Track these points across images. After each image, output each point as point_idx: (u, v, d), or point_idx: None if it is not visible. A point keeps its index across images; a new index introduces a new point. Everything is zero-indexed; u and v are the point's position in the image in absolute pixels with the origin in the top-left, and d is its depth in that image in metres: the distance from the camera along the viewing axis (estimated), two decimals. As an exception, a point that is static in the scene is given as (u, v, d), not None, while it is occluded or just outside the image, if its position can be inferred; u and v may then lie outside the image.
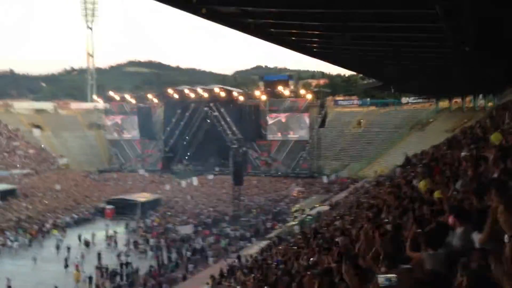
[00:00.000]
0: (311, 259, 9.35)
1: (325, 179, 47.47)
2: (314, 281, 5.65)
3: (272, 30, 14.57)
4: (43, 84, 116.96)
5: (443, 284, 2.61)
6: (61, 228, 35.68)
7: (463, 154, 9.25)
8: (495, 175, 5.75)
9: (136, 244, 31.66)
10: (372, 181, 30.02)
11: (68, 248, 29.39)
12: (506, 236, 2.96)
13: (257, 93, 58.37)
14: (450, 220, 4.61)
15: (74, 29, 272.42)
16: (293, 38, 16.24)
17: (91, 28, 79.12)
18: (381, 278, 2.95)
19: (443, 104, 55.35)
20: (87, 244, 31.34)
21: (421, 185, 8.12)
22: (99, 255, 28.34)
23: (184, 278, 25.59)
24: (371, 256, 5.52)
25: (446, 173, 9.33)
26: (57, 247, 30.20)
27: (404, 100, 60.65)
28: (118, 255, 28.73)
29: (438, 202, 6.22)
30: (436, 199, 6.37)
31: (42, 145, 59.97)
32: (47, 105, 71.08)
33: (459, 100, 53.01)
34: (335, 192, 41.97)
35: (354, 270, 4.41)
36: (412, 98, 59.24)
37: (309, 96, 55.27)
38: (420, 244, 4.39)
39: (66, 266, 27.17)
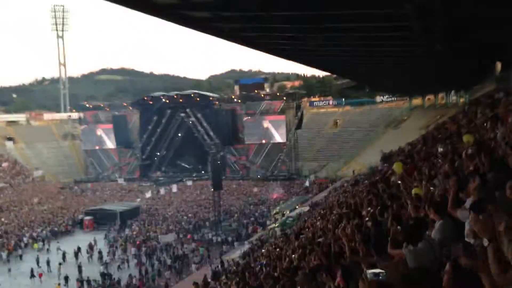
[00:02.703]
0: (294, 260, 9.38)
1: (307, 183, 47.58)
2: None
3: (244, 33, 14.59)
4: (14, 96, 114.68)
5: (429, 278, 2.65)
6: (40, 241, 34.99)
7: (440, 150, 9.42)
8: (471, 169, 5.87)
9: (115, 254, 31.26)
10: (351, 180, 30.28)
11: (48, 262, 28.85)
12: (484, 240, 3.00)
13: (232, 97, 58.35)
14: (432, 214, 4.68)
15: (45, 39, 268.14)
16: (266, 41, 16.28)
17: (62, 37, 78.00)
18: (370, 274, 2.98)
19: (417, 101, 56.29)
20: (66, 256, 30.78)
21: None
22: (79, 267, 27.90)
23: (167, 286, 25.34)
24: (353, 254, 5.57)
25: (422, 169, 9.48)
26: (37, 261, 29.56)
27: (378, 99, 61.48)
28: (99, 267, 28.32)
29: (416, 199, 6.30)
30: (414, 195, 6.46)
31: (16, 158, 58.71)
32: (19, 117, 69.73)
33: (432, 97, 53.97)
34: (314, 193, 42.20)
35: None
36: (386, 96, 60.08)
37: (285, 98, 55.46)
38: (400, 241, 4.45)
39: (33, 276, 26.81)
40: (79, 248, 31.26)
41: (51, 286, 25.15)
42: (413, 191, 6.67)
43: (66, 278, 26.18)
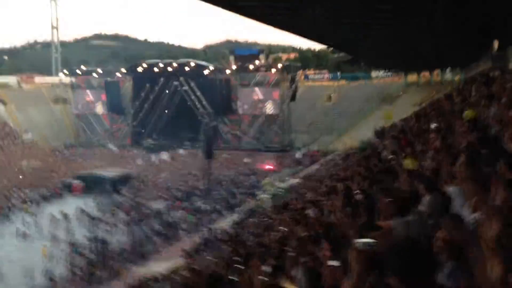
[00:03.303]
0: (284, 230, 9.47)
1: (298, 154, 47.83)
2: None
3: (241, 2, 14.38)
4: (6, 58, 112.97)
5: (419, 248, 2.66)
6: (29, 203, 35.08)
7: (432, 126, 9.42)
8: (463, 146, 5.89)
9: (106, 219, 31.43)
10: (343, 154, 30.42)
11: (36, 224, 29.02)
12: (477, 215, 3.02)
13: (227, 67, 57.87)
14: (421, 189, 4.71)
15: (38, 1, 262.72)
16: (263, 10, 16.06)
17: (55, 0, 76.43)
18: (360, 243, 2.99)
19: (412, 78, 56.15)
20: (54, 219, 30.88)
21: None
22: (68, 231, 28.07)
23: (157, 252, 25.63)
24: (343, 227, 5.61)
25: (414, 144, 9.52)
26: (25, 223, 29.71)
27: (373, 74, 61.25)
28: (88, 231, 28.50)
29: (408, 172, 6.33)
30: (405, 167, 6.48)
31: (6, 120, 58.11)
32: (10, 79, 68.75)
33: (427, 74, 53.85)
34: (306, 165, 42.41)
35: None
36: (382, 72, 59.87)
37: (280, 70, 55.05)
38: (390, 213, 4.47)
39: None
40: (67, 212, 31.37)
41: (39, 248, 25.27)
42: (405, 163, 6.68)
43: (54, 239, 26.41)
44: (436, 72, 52.27)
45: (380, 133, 19.25)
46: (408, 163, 6.65)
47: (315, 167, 36.78)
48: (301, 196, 16.83)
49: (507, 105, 6.94)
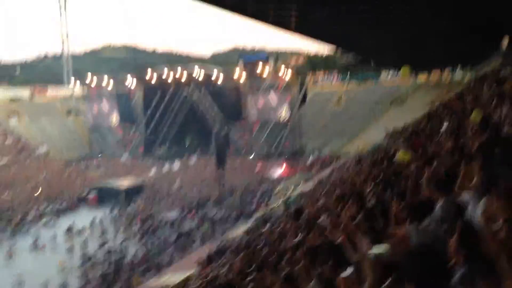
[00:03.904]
0: (297, 238, 9.36)
1: (309, 159, 47.70)
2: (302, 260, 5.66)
3: (250, 6, 14.40)
4: (18, 71, 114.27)
5: (432, 255, 2.60)
6: (45, 217, 35.36)
7: (444, 126, 9.30)
8: (475, 147, 5.77)
9: (119, 230, 31.55)
10: (354, 158, 30.20)
11: (53, 237, 29.22)
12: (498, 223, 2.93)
13: (236, 73, 57.93)
14: (430, 192, 4.63)
15: (48, 14, 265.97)
16: (272, 14, 16.08)
17: (65, 13, 77.18)
18: (373, 251, 2.93)
19: (422, 78, 55.78)
20: (70, 232, 31.08)
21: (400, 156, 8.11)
22: (83, 243, 28.24)
23: (170, 263, 25.62)
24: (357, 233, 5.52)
25: (427, 146, 9.39)
26: (40, 237, 29.93)
27: (382, 76, 60.97)
28: (103, 243, 28.65)
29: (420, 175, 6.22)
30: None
31: (19, 133, 58.79)
32: (23, 92, 69.58)
33: (437, 73, 53.46)
34: (318, 170, 42.21)
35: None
36: (391, 73, 59.55)
37: (289, 75, 55.00)
38: (403, 219, 4.39)
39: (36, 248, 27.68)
40: (82, 224, 31.58)
41: (55, 261, 25.41)
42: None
43: (70, 252, 26.56)
44: (447, 72, 51.87)
45: (392, 136, 19.10)
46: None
47: (327, 171, 36.53)
48: (314, 202, 16.69)
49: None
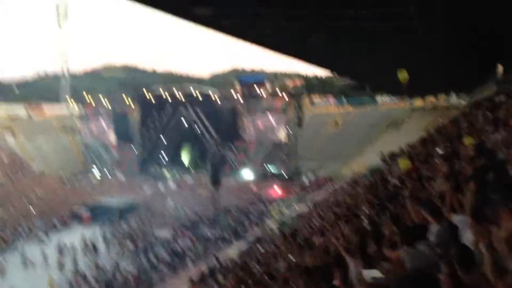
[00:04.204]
0: (291, 258, 9.34)
1: (305, 180, 47.74)
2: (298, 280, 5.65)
3: (247, 30, 14.58)
4: (16, 89, 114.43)
5: (426, 281, 2.61)
6: (37, 234, 35.08)
7: (438, 151, 9.38)
8: (470, 173, 5.83)
9: (112, 248, 31.28)
10: (350, 181, 30.25)
11: (44, 255, 28.93)
12: (481, 248, 2.98)
13: (234, 94, 58.18)
14: (427, 216, 4.66)
15: (47, 33, 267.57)
16: (269, 38, 16.27)
17: (63, 31, 77.87)
18: (367, 276, 2.94)
19: (418, 103, 56.24)
20: (63, 250, 30.79)
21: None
22: (75, 261, 27.97)
23: (163, 281, 25.38)
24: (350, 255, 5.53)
25: (422, 170, 9.45)
26: (31, 254, 29.63)
27: (379, 99, 61.45)
28: (95, 261, 28.38)
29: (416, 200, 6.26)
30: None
31: (15, 151, 58.66)
32: (20, 110, 69.64)
33: (433, 99, 53.95)
34: (313, 192, 42.18)
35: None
36: (387, 97, 60.06)
37: (286, 97, 55.32)
38: (397, 242, 4.41)
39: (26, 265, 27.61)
40: (75, 242, 31.32)
41: (45, 278, 25.10)
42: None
43: (61, 270, 26.30)
44: (442, 97, 52.37)
45: (388, 160, 19.18)
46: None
47: (322, 194, 36.55)
48: (309, 224, 16.67)
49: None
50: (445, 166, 7.49)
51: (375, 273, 2.98)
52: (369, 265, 4.29)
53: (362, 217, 7.99)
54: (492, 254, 2.49)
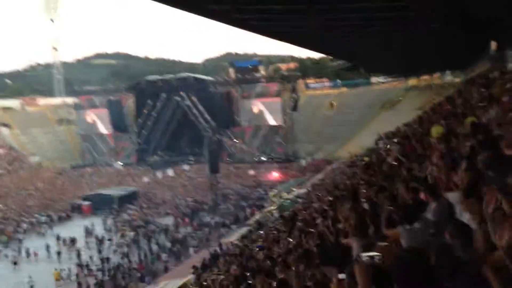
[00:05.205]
0: (292, 242, 9.45)
1: (303, 162, 47.96)
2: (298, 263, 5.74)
3: (237, 15, 14.44)
4: (8, 81, 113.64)
5: (421, 259, 2.68)
6: (38, 227, 35.21)
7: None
8: (466, 150, 5.89)
9: (114, 238, 31.46)
10: (347, 162, 30.37)
11: (47, 247, 29.06)
12: (473, 223, 3.04)
13: (228, 79, 58.07)
14: (422, 195, 4.72)
15: (37, 23, 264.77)
16: (260, 22, 16.13)
17: (54, 21, 76.97)
18: (365, 256, 2.99)
19: (412, 82, 56.17)
20: (65, 242, 30.93)
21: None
22: (78, 252, 28.13)
23: (166, 270, 25.58)
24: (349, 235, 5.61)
25: (418, 149, 9.51)
26: (34, 246, 29.76)
27: (374, 80, 61.28)
28: (98, 251, 28.57)
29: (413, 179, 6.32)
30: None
31: (11, 144, 58.52)
32: (14, 103, 69.30)
33: (427, 77, 53.84)
34: (311, 174, 42.35)
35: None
36: (382, 77, 59.88)
37: (280, 81, 55.21)
38: (395, 221, 4.48)
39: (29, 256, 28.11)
40: (76, 233, 31.47)
41: (50, 271, 25.25)
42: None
43: (64, 261, 26.48)
44: (437, 75, 52.26)
45: (384, 139, 19.23)
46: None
47: (320, 176, 36.71)
48: (308, 207, 16.79)
49: (507, 107, 6.96)
50: (441, 144, 7.55)
51: (372, 254, 3.03)
52: (368, 244, 4.36)
53: (360, 197, 8.06)
54: (483, 229, 2.55)
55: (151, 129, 57.78)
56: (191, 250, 28.77)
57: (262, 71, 62.72)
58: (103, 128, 61.02)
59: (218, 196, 38.62)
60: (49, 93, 78.64)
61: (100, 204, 39.52)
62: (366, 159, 18.29)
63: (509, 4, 11.43)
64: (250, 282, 7.95)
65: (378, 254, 2.99)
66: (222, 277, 12.41)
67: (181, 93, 55.91)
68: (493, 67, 19.69)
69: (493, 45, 21.06)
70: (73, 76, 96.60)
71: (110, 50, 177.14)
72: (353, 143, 46.29)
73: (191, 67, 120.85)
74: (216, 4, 12.74)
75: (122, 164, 56.95)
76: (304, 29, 16.11)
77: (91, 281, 24.25)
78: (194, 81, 56.79)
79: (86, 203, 40.36)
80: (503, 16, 13.51)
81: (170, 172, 49.41)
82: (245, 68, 62.07)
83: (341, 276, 4.03)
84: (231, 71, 65.49)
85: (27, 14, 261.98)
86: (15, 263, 27.65)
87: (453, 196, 4.16)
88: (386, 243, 3.90)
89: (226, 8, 13.32)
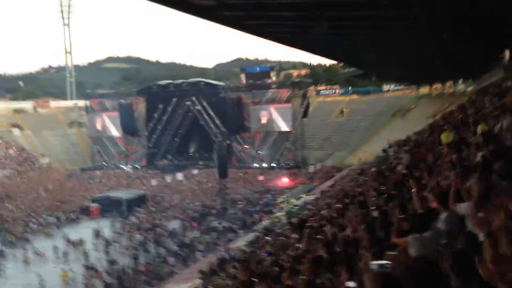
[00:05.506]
0: (300, 248, 9.39)
1: (311, 169, 47.87)
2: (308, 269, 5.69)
3: (249, 21, 14.50)
4: (21, 84, 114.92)
5: (431, 268, 2.65)
6: (47, 228, 35.39)
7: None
8: (478, 160, 5.83)
9: (122, 241, 31.52)
10: (357, 169, 30.24)
11: (54, 249, 29.18)
12: (481, 235, 2.99)
13: (239, 85, 58.21)
14: (434, 204, 4.67)
15: (51, 26, 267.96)
16: (271, 28, 16.18)
17: (68, 25, 77.82)
18: (374, 265, 2.97)
19: (424, 90, 55.89)
20: (73, 243, 31.02)
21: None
22: (86, 254, 28.20)
23: (173, 273, 25.57)
24: (358, 243, 5.56)
25: (429, 158, 9.43)
26: (43, 248, 29.90)
27: (385, 87, 61.08)
28: (106, 254, 28.63)
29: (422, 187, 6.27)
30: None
31: (23, 145, 59.03)
32: (26, 105, 69.98)
33: (439, 86, 53.57)
34: (320, 181, 42.20)
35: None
36: (393, 85, 59.69)
37: (291, 87, 55.23)
38: (405, 230, 4.44)
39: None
40: (84, 235, 31.56)
41: (57, 272, 25.32)
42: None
43: (72, 263, 26.52)
44: (449, 83, 51.97)
45: (395, 148, 19.13)
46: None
47: (329, 183, 36.55)
48: (317, 213, 16.72)
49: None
50: (453, 153, 7.49)
51: (382, 262, 3.00)
52: (378, 253, 4.31)
53: (370, 205, 8.01)
54: (492, 241, 2.51)
55: (161, 133, 58.02)
56: (198, 254, 28.74)
57: (273, 77, 62.78)
58: (114, 131, 61.39)
59: (226, 201, 38.60)
60: (61, 95, 79.47)
61: (108, 207, 39.64)
62: (373, 169, 18.20)
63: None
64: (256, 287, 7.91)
65: (387, 262, 2.96)
66: (229, 282, 12.37)
67: (192, 97, 56.11)
68: (506, 77, 19.54)
69: (507, 54, 20.93)
70: (85, 79, 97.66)
71: (121, 54, 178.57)
72: (363, 151, 46.14)
73: (202, 72, 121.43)
74: (229, 11, 12.80)
75: (131, 167, 57.21)
76: (315, 35, 16.11)
77: (98, 283, 24.28)
78: (205, 86, 57.00)
79: (95, 205, 40.50)
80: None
81: (179, 176, 49.49)
82: (256, 74, 62.17)
83: (351, 284, 4.00)
84: (242, 76, 65.62)
85: (41, 18, 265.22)
86: (26, 263, 27.80)
87: (463, 207, 4.12)
88: (395, 252, 3.86)
89: (238, 15, 13.39)
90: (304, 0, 11.42)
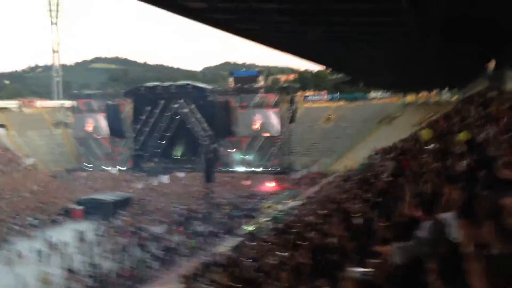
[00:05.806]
0: (284, 254, 9.36)
1: (297, 174, 47.92)
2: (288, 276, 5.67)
3: (239, 25, 14.50)
4: (7, 82, 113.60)
5: (414, 277, 2.63)
6: (29, 229, 34.91)
7: (430, 147, 9.41)
8: (462, 168, 5.86)
9: (105, 244, 31.20)
10: (343, 176, 30.33)
11: (37, 251, 28.79)
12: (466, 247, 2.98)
13: (226, 89, 58.14)
14: (418, 213, 4.66)
15: (38, 25, 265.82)
16: (261, 32, 16.19)
17: (56, 24, 77.05)
18: (357, 272, 2.95)
19: (410, 98, 56.43)
20: (55, 246, 30.64)
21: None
22: (68, 256, 27.87)
23: (156, 278, 25.37)
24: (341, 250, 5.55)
25: (413, 165, 9.48)
26: (24, 249, 29.48)
27: (372, 94, 61.54)
28: (88, 256, 28.29)
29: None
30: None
31: (7, 145, 58.23)
32: (12, 104, 69.12)
33: (425, 94, 54.15)
34: (306, 187, 42.26)
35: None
36: (380, 92, 60.17)
37: (279, 92, 55.31)
38: (388, 238, 4.43)
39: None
40: (67, 237, 31.20)
41: (37, 274, 24.95)
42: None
43: (54, 265, 26.17)
44: (434, 92, 52.55)
45: (380, 155, 19.23)
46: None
47: (315, 189, 36.62)
48: (301, 219, 16.71)
49: (504, 127, 6.94)
50: (436, 162, 7.53)
51: (363, 270, 2.98)
52: (361, 260, 4.30)
53: (354, 212, 8.01)
54: (474, 251, 2.50)
55: (148, 135, 57.67)
56: (181, 258, 28.56)
57: (261, 82, 62.84)
58: (100, 133, 60.83)
59: (212, 205, 38.47)
60: (47, 95, 78.53)
61: (93, 209, 39.20)
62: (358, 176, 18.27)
63: (509, 22, 11.51)
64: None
65: (369, 270, 2.95)
66: (212, 287, 12.30)
67: (180, 100, 55.91)
68: (491, 87, 19.78)
69: (491, 64, 21.17)
70: (72, 79, 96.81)
71: (109, 55, 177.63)
72: (349, 157, 46.33)
73: (191, 74, 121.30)
74: (220, 14, 12.79)
75: (117, 169, 56.74)
76: (304, 40, 16.16)
77: (80, 286, 23.98)
78: (193, 89, 56.82)
79: (79, 207, 40.06)
80: (502, 35, 13.58)
81: (165, 179, 49.22)
82: (244, 78, 62.22)
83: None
84: (230, 80, 65.58)
85: (29, 17, 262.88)
86: (9, 264, 27.37)
87: (447, 216, 4.11)
88: (378, 260, 3.84)
89: (230, 18, 13.38)
90: (296, 5, 11.44)
